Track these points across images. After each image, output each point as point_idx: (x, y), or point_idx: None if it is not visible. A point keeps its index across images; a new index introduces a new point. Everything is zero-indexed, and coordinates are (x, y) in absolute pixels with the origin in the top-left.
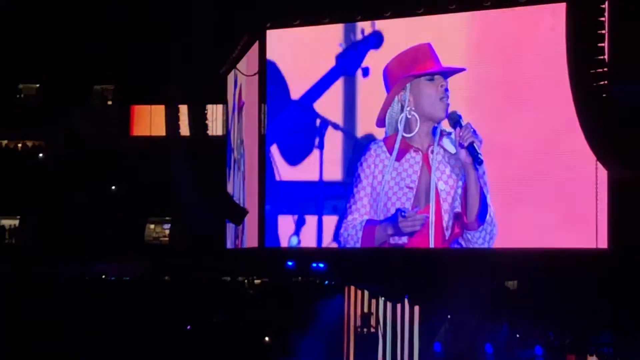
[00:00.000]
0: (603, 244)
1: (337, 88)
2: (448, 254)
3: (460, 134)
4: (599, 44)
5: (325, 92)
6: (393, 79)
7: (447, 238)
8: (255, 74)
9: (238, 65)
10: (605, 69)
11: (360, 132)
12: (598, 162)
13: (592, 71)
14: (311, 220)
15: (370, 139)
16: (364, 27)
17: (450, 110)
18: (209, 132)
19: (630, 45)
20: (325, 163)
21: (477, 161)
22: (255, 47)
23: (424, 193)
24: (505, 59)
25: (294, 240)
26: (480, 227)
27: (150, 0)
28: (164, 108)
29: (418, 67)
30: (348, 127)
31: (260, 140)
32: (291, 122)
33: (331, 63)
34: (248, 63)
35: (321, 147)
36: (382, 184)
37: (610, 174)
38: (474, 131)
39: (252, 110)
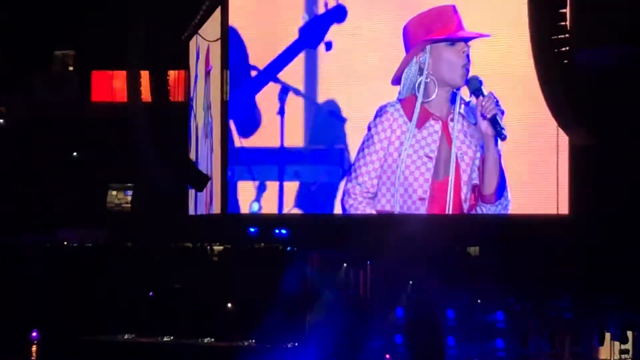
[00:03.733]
0: (564, 209)
1: (300, 61)
2: (409, 221)
3: (483, 103)
4: (561, 10)
5: (287, 64)
6: (412, 39)
7: (464, 210)
8: (217, 40)
9: (201, 31)
10: (567, 35)
11: (321, 98)
12: (559, 128)
13: (553, 37)
14: (272, 186)
15: (332, 104)
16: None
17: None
18: (171, 99)
19: (592, 11)
20: (286, 129)
21: (499, 135)
22: (218, 12)
23: (443, 164)
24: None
25: (255, 207)
26: (497, 202)
27: None
28: (126, 74)
29: (439, 30)
30: (309, 93)
31: (222, 106)
32: (253, 90)
33: (294, 36)
34: (211, 28)
35: (282, 113)
36: (399, 150)
37: (571, 140)
38: (497, 101)
39: (217, 76)
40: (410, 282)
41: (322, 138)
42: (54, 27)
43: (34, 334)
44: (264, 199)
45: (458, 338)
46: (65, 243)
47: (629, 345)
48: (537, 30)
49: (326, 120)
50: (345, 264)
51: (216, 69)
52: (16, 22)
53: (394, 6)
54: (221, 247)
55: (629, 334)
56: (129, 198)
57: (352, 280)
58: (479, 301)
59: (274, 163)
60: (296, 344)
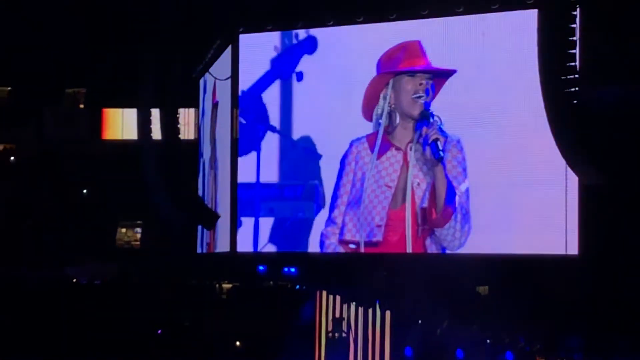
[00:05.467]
0: (573, 250)
1: (274, 91)
2: (419, 259)
3: (427, 130)
4: (570, 51)
5: (261, 92)
6: (382, 71)
7: (419, 235)
8: (228, 78)
9: (211, 69)
10: (576, 76)
11: (296, 135)
12: (568, 168)
13: (563, 77)
14: (247, 222)
15: (307, 141)
16: (299, 32)
17: (432, 108)
18: (181, 136)
19: (601, 52)
20: (262, 165)
21: (436, 157)
22: (228, 51)
23: (401, 192)
24: (475, 64)
25: None
26: (447, 225)
27: (123, 4)
28: (136, 112)
29: (403, 63)
30: (284, 130)
31: (232, 144)
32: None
33: (266, 67)
34: (220, 67)
35: (258, 149)
36: (361, 180)
37: (581, 180)
38: (440, 128)
39: (224, 110)
40: (420, 321)
41: (297, 174)
42: (65, 65)
43: None
44: (239, 234)
45: None
46: (75, 280)
47: None
48: (547, 70)
49: (301, 156)
50: (354, 303)
51: (223, 105)
52: (27, 60)
53: (366, 44)
54: (230, 285)
55: None
56: (139, 235)
57: (361, 319)
58: (488, 341)
59: (249, 199)
60: None
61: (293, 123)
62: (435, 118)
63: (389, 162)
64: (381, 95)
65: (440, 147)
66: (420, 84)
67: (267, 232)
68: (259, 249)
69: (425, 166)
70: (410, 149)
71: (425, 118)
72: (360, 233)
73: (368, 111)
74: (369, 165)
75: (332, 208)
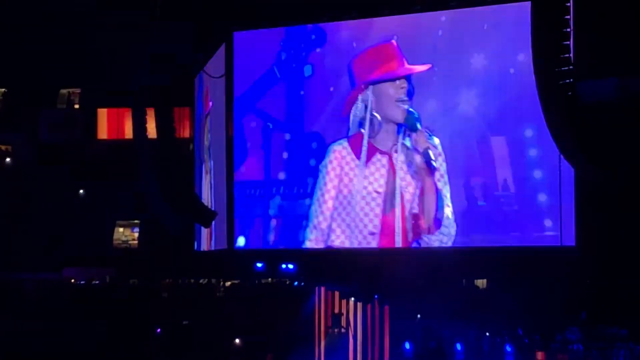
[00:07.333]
0: (570, 241)
1: (281, 86)
2: (417, 254)
3: (416, 138)
4: (564, 42)
5: (268, 90)
6: (357, 76)
7: (409, 240)
8: (222, 76)
9: (205, 68)
10: (571, 67)
11: (305, 131)
12: (562, 159)
13: (557, 69)
14: (257, 220)
15: (315, 137)
16: (307, 27)
17: (412, 108)
18: (177, 135)
19: (595, 43)
20: (271, 162)
21: (430, 167)
22: (222, 49)
23: (391, 197)
24: (467, 55)
25: (241, 241)
26: (437, 232)
27: (117, 4)
28: (131, 111)
29: (381, 67)
30: (293, 127)
31: (228, 142)
32: (236, 122)
33: (272, 60)
34: (214, 65)
35: (267, 146)
36: (349, 187)
37: (577, 172)
38: (430, 135)
39: (219, 112)
40: (419, 315)
41: (304, 170)
42: (59, 66)
43: None
44: (241, 232)
45: None
46: (73, 281)
47: None
48: (541, 62)
49: (310, 153)
50: (353, 299)
51: (216, 108)
52: (22, 61)
53: (376, 37)
54: (228, 283)
55: None
56: (136, 235)
57: (360, 315)
58: (487, 334)
59: (258, 197)
60: None
61: (302, 119)
62: (425, 118)
63: (375, 167)
64: (360, 98)
65: (433, 157)
66: (402, 87)
67: (277, 230)
68: (260, 247)
69: (412, 170)
70: (395, 151)
71: (412, 124)
72: (351, 240)
73: (345, 112)
74: (356, 170)
75: (316, 214)
